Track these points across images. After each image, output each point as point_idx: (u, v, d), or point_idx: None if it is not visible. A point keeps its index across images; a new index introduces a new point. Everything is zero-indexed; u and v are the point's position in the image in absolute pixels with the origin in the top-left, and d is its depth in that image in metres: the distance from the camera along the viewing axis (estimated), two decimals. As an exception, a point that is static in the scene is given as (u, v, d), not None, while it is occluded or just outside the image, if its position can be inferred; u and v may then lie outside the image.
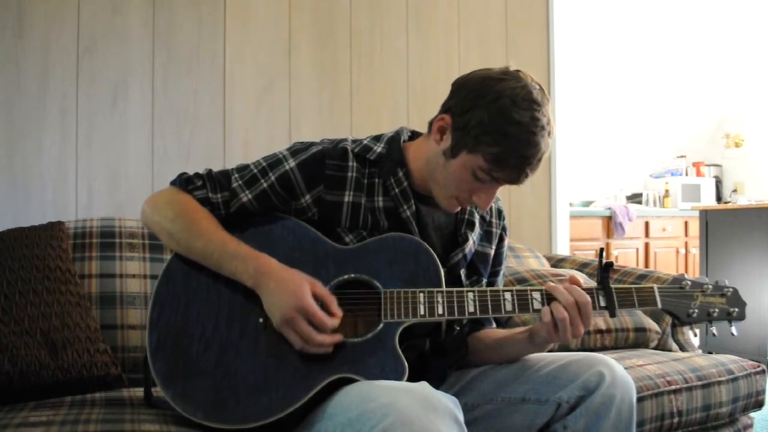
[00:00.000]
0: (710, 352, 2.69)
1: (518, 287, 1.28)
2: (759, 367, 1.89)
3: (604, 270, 1.27)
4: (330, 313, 1.19)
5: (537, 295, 1.26)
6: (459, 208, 1.36)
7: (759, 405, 1.88)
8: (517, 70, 1.27)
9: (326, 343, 1.17)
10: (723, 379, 1.78)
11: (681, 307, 1.30)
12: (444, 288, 1.25)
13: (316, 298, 1.19)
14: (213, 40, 2.33)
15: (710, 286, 1.31)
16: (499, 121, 1.20)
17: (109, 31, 2.16)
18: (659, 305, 1.28)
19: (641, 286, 1.30)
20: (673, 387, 1.68)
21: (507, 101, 1.21)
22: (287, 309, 1.16)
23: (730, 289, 1.32)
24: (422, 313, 1.22)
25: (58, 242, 1.62)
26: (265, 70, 2.43)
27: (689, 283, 1.31)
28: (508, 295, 1.26)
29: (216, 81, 2.34)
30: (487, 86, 1.23)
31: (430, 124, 1.33)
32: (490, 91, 1.22)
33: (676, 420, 1.66)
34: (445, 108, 1.30)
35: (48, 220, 1.76)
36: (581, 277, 1.32)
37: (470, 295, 1.25)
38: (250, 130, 2.39)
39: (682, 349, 2.18)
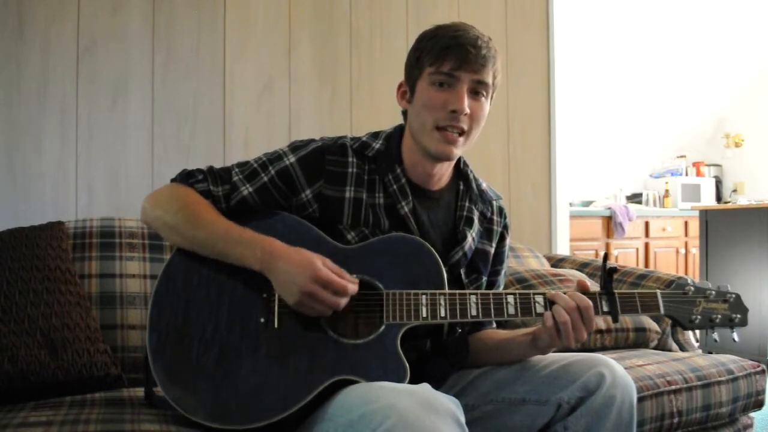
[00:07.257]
0: (710, 352, 2.68)
1: (521, 291, 1.28)
2: (759, 367, 1.89)
3: (607, 275, 1.27)
4: None
5: (540, 299, 1.25)
6: (453, 149, 1.30)
7: (759, 405, 1.88)
8: None
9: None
10: (723, 379, 1.78)
11: (683, 312, 1.29)
12: (446, 290, 1.25)
13: None
14: (213, 39, 2.33)
15: (713, 292, 1.31)
16: (425, 38, 1.34)
17: (108, 30, 2.16)
18: (662, 311, 1.28)
19: (644, 291, 1.29)
20: (673, 387, 1.68)
21: (429, 28, 1.36)
22: (304, 282, 1.17)
23: (733, 296, 1.31)
24: (424, 315, 1.22)
25: (58, 242, 1.62)
26: (265, 70, 2.43)
27: (692, 288, 1.30)
28: (510, 299, 1.25)
29: (216, 81, 2.34)
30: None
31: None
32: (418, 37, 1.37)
33: (676, 420, 1.66)
34: None
35: (48, 220, 1.75)
36: (589, 282, 1.32)
37: (473, 297, 1.25)
38: (250, 129, 2.39)
39: (682, 349, 2.18)
